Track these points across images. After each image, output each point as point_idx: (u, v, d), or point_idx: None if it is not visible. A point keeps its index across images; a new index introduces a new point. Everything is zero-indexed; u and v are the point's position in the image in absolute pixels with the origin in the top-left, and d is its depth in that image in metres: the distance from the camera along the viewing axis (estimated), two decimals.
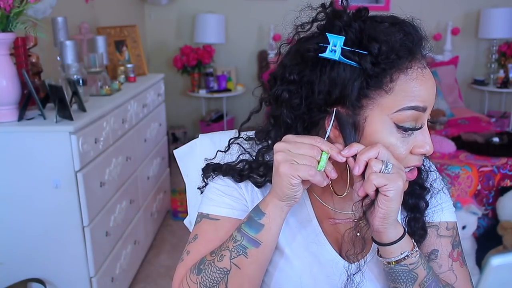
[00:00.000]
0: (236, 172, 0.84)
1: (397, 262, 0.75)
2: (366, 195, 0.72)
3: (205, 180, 0.88)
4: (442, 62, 3.95)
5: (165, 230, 3.03)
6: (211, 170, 0.86)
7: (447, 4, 4.14)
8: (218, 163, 0.87)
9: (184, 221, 1.18)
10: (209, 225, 0.83)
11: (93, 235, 1.84)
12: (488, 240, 2.47)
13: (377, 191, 0.70)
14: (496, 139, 2.80)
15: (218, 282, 0.75)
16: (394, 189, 0.69)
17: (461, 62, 4.11)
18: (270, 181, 0.79)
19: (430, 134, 0.77)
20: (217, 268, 0.75)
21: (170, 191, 3.23)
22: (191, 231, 1.17)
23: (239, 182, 0.84)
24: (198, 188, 0.91)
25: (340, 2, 0.77)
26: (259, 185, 0.83)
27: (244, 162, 0.84)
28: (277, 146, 0.71)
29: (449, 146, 2.76)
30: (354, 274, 0.83)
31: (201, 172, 0.88)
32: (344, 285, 0.83)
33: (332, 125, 0.74)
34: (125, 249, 2.24)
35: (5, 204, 1.75)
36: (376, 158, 0.70)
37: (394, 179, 0.69)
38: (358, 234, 0.84)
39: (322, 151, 0.70)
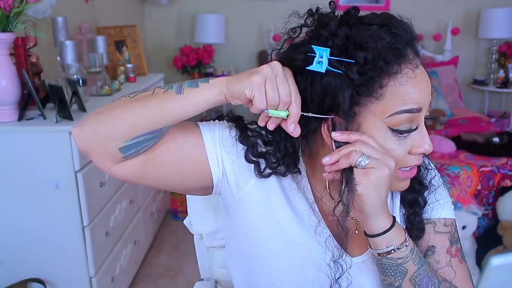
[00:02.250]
0: (249, 142, 0.82)
1: (382, 254, 0.75)
2: (347, 185, 0.73)
3: (227, 119, 0.86)
4: (442, 62, 3.95)
5: (165, 230, 3.03)
6: (236, 120, 0.85)
7: (447, 4, 4.13)
8: (246, 124, 0.85)
9: (184, 221, 1.18)
10: (190, 125, 0.83)
11: (93, 235, 1.84)
12: (488, 240, 2.47)
13: (348, 183, 0.72)
14: (496, 139, 2.80)
15: (118, 104, 0.75)
16: (363, 184, 0.70)
17: (461, 62, 4.10)
18: (261, 175, 0.81)
19: (429, 133, 0.76)
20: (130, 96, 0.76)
21: (170, 191, 3.23)
22: (191, 231, 1.18)
23: (242, 141, 0.82)
24: (220, 117, 0.87)
25: (328, 4, 0.77)
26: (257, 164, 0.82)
27: (259, 137, 0.83)
28: (274, 65, 0.71)
29: (449, 146, 2.76)
30: (344, 272, 0.82)
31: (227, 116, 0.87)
32: (341, 278, 0.82)
33: (331, 132, 0.75)
34: (125, 249, 2.23)
35: (5, 204, 1.75)
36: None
37: (365, 173, 0.70)
38: (357, 232, 0.85)
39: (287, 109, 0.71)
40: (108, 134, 0.74)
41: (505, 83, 3.95)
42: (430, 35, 4.07)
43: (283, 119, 0.73)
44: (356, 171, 0.71)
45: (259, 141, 0.83)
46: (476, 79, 4.17)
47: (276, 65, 0.72)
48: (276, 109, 0.71)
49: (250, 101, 0.71)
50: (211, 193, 0.86)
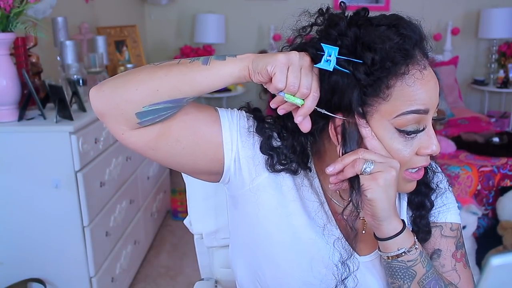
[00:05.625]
0: (264, 132, 0.82)
1: (393, 257, 0.76)
2: (355, 192, 0.73)
3: (246, 111, 0.86)
4: (442, 62, 3.95)
5: (165, 230, 3.03)
6: (254, 111, 0.85)
7: (447, 4, 4.13)
8: (263, 117, 0.85)
9: (184, 221, 1.18)
10: (210, 108, 0.82)
11: (93, 235, 1.84)
12: (488, 240, 2.47)
13: (355, 189, 0.73)
14: (496, 139, 2.80)
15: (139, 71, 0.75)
16: (371, 189, 0.70)
17: (461, 62, 4.11)
18: (273, 169, 0.81)
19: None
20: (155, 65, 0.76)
21: (170, 191, 3.23)
22: (191, 231, 1.18)
23: (258, 132, 0.82)
24: (241, 108, 0.87)
25: (339, 4, 0.77)
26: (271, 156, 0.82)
27: (275, 130, 0.83)
28: (303, 56, 0.72)
29: (449, 146, 2.76)
30: (351, 274, 0.82)
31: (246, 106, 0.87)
32: (347, 280, 0.82)
33: (339, 133, 0.75)
34: (125, 249, 2.23)
35: (5, 204, 1.75)
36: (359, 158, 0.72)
37: (372, 178, 0.70)
38: (363, 232, 0.85)
39: (304, 99, 0.71)
40: (127, 96, 0.73)
41: (505, 83, 3.95)
42: (430, 35, 4.06)
43: (297, 107, 0.73)
44: (362, 178, 0.71)
45: (275, 135, 0.83)
46: (476, 79, 4.18)
47: (306, 57, 0.72)
48: (294, 96, 0.71)
49: (270, 80, 0.71)
50: (218, 181, 0.85)
